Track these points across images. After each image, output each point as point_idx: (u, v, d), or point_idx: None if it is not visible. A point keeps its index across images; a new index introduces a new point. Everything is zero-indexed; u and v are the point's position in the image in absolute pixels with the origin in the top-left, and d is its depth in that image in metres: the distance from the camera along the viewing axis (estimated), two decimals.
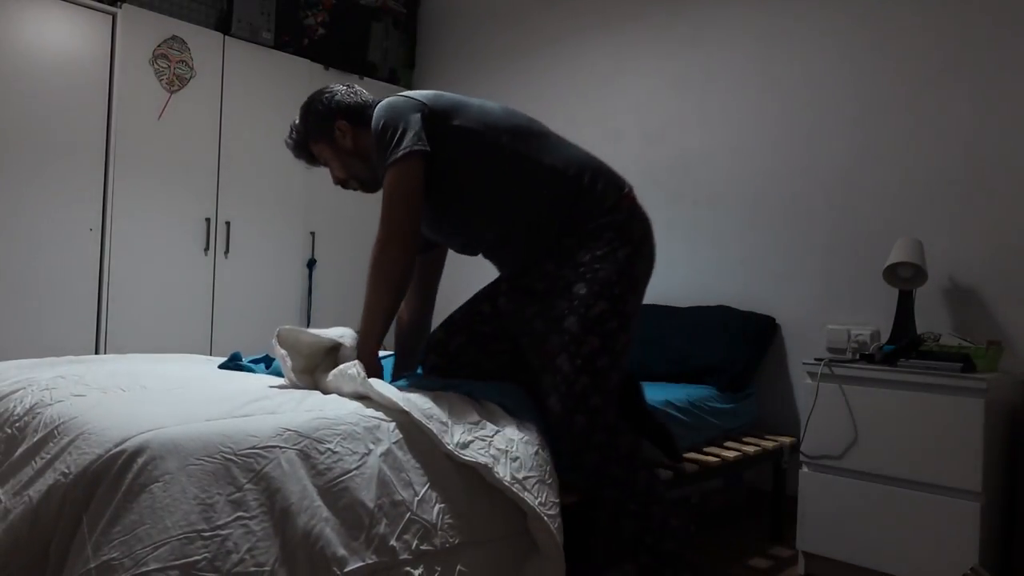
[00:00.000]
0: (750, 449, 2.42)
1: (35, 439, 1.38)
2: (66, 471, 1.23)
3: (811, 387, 2.22)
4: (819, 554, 2.20)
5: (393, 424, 1.53)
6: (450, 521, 1.47)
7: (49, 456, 1.30)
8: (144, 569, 1.12)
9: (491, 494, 1.54)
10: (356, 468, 1.39)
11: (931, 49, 2.51)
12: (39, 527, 1.22)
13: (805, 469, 2.24)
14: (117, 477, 1.19)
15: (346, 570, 1.30)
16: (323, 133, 1.79)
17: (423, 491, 1.47)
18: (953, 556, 1.94)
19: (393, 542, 1.38)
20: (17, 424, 1.49)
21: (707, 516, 2.60)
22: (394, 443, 1.49)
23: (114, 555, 1.12)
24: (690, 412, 2.32)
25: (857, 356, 2.33)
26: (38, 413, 1.46)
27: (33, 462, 1.32)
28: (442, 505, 1.48)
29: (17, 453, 1.39)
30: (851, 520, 2.13)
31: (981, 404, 1.93)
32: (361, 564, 1.32)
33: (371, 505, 1.38)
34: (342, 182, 1.84)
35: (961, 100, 2.45)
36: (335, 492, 1.35)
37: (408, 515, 1.42)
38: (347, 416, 1.49)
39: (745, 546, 2.49)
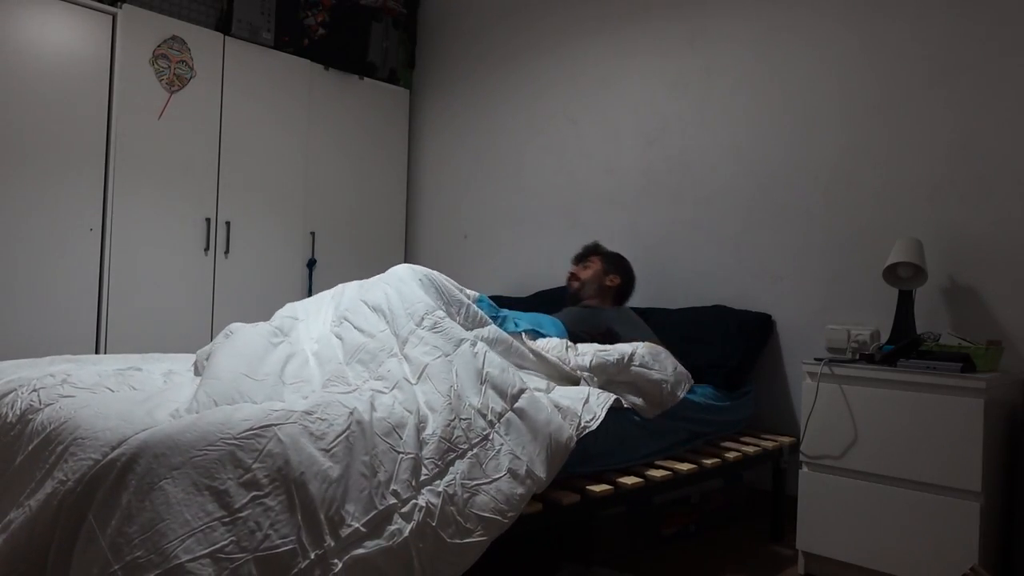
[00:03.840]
0: (750, 449, 2.42)
1: (31, 447, 1.39)
2: (64, 479, 1.24)
3: (811, 387, 2.22)
4: (819, 554, 2.20)
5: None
6: (433, 447, 1.57)
7: (47, 466, 1.31)
8: (176, 563, 1.15)
9: (450, 413, 1.66)
10: (347, 428, 1.47)
11: (930, 48, 2.51)
12: (37, 535, 1.23)
13: (805, 469, 2.24)
14: (119, 478, 1.20)
15: (364, 520, 1.38)
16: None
17: (404, 432, 1.56)
18: (953, 556, 1.94)
19: (394, 485, 1.46)
20: (12, 432, 1.50)
21: (707, 516, 2.60)
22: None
23: (138, 554, 1.14)
24: (688, 409, 2.32)
25: (857, 356, 2.33)
26: (29, 419, 1.47)
27: (34, 473, 1.34)
28: (420, 436, 1.58)
29: (16, 463, 1.41)
30: (851, 520, 2.13)
31: (981, 404, 1.93)
32: (376, 512, 1.40)
33: (367, 458, 1.46)
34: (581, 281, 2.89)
35: (960, 99, 2.44)
36: (336, 453, 1.42)
37: (399, 456, 1.51)
38: (320, 393, 1.62)
39: (745, 546, 2.49)
